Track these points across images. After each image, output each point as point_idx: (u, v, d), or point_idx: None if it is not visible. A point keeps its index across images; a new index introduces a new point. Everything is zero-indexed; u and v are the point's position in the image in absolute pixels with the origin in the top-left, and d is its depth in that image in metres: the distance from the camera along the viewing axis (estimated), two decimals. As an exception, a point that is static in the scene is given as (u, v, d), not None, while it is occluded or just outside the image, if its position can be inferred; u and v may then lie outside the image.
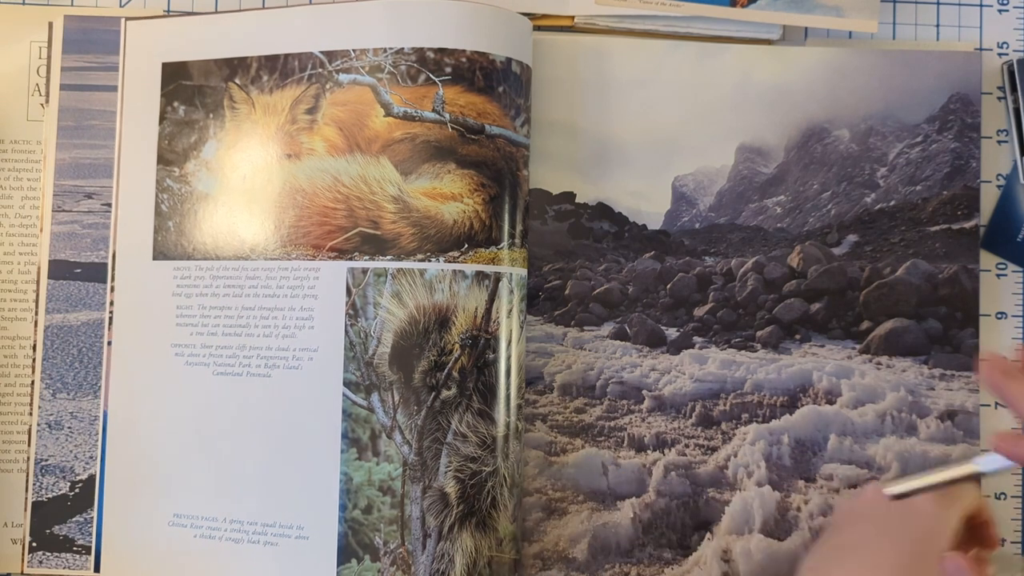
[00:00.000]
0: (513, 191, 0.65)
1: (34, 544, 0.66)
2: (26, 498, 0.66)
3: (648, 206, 0.70)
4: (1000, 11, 0.74)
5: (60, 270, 0.67)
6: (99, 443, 0.67)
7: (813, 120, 0.71)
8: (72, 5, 0.70)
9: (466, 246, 0.64)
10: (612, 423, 0.69)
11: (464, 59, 0.64)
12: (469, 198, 0.64)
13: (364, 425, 0.64)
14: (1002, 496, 0.71)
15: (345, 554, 0.64)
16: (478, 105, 0.64)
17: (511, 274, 0.64)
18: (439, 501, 0.63)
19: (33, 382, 0.67)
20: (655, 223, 0.70)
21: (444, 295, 0.63)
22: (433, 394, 0.63)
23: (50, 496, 0.67)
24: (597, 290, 0.70)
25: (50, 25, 0.68)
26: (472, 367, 0.63)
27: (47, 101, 0.68)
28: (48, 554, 0.66)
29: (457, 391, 0.63)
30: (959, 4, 0.74)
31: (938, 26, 0.74)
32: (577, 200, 0.70)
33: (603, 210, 0.70)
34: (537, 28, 0.71)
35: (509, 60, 0.65)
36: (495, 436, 0.64)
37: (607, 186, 0.70)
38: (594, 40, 0.70)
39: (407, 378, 0.63)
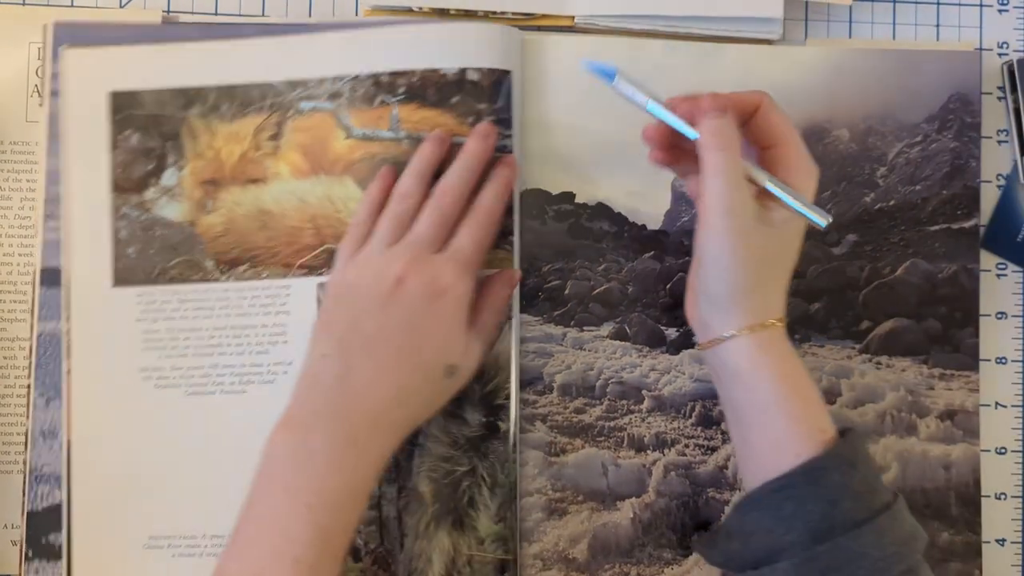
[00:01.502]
0: (475, 195, 0.66)
1: (30, 553, 0.66)
2: (23, 505, 0.66)
3: (648, 206, 0.70)
4: (1000, 11, 0.74)
5: (52, 278, 0.67)
6: (64, 473, 0.66)
7: (812, 120, 0.71)
8: (72, 6, 0.70)
9: None
10: (612, 423, 0.69)
11: (416, 78, 0.67)
12: None
13: None
14: (1003, 496, 0.71)
15: None
16: (432, 119, 0.67)
17: (481, 275, 0.66)
18: (414, 501, 0.65)
19: (29, 386, 0.67)
20: (655, 223, 0.70)
21: None
22: None
23: (44, 506, 0.66)
24: (597, 290, 0.70)
25: (44, 28, 0.68)
26: None
27: (43, 103, 0.68)
28: (44, 562, 0.66)
29: None
30: (959, 4, 0.74)
31: (938, 26, 0.74)
32: (576, 200, 0.70)
33: (602, 210, 0.70)
34: (537, 28, 0.71)
35: (463, 71, 0.67)
36: (467, 436, 0.66)
37: (606, 186, 0.70)
38: (594, 40, 0.70)
39: None
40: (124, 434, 0.67)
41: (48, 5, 0.70)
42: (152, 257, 0.68)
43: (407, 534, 0.66)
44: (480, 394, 0.66)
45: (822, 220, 0.56)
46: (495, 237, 0.64)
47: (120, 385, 0.67)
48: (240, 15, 0.71)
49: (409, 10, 0.70)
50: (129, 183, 0.68)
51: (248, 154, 0.68)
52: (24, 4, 0.69)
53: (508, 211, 0.67)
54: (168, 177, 0.68)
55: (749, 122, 0.58)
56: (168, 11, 0.70)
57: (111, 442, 0.66)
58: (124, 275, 0.68)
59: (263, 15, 0.71)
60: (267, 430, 0.56)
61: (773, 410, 0.55)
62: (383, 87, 0.68)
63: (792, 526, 0.52)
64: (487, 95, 0.67)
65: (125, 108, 0.68)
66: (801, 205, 0.56)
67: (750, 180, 0.56)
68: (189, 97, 0.68)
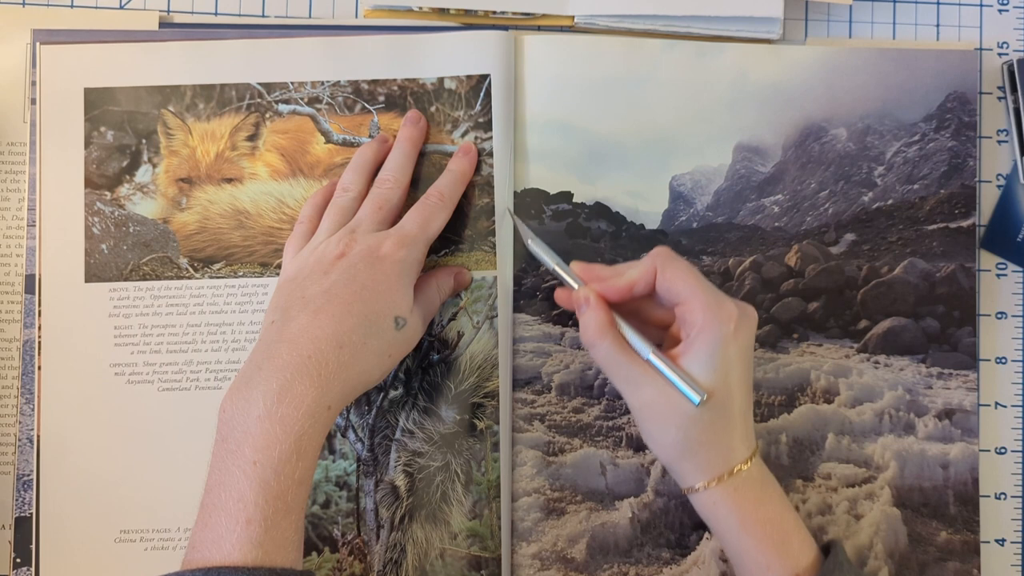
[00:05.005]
0: None
1: (18, 560, 0.66)
2: (12, 510, 0.66)
3: (645, 205, 0.70)
4: (1000, 11, 0.74)
5: (34, 285, 0.67)
6: (33, 469, 0.66)
7: (811, 119, 0.71)
8: (72, 7, 0.70)
9: None
10: (610, 423, 0.69)
11: (395, 87, 0.69)
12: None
13: None
14: (1002, 496, 0.71)
15: (306, 547, 0.66)
16: None
17: (468, 268, 0.68)
18: (390, 494, 0.67)
19: (19, 387, 0.67)
20: (652, 222, 0.70)
21: None
22: (382, 394, 0.68)
23: (31, 512, 0.66)
24: (595, 290, 0.70)
25: (31, 34, 0.68)
26: (416, 368, 0.68)
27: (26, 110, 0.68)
28: (30, 570, 0.66)
29: (403, 390, 0.67)
30: (959, 4, 0.74)
31: (938, 26, 0.74)
32: (574, 200, 0.70)
33: (600, 210, 0.70)
34: (537, 28, 0.71)
35: (441, 80, 0.69)
36: (441, 432, 0.67)
37: (604, 186, 0.70)
38: (592, 40, 0.70)
39: None
40: (95, 429, 0.67)
41: (48, 5, 0.70)
42: (125, 253, 0.68)
43: (383, 526, 0.67)
44: (454, 392, 0.67)
45: (695, 396, 0.54)
46: (445, 221, 0.65)
47: (91, 381, 0.67)
48: (240, 15, 0.71)
49: (409, 10, 0.70)
50: (103, 179, 0.69)
51: (224, 153, 0.69)
52: (24, 5, 0.70)
53: (490, 212, 0.68)
54: (142, 174, 0.69)
55: (655, 284, 0.59)
56: (167, 11, 0.70)
57: (81, 437, 0.67)
58: (96, 271, 0.68)
59: (263, 15, 0.71)
60: None
61: (745, 557, 0.56)
62: (363, 94, 0.69)
63: None
64: (465, 101, 0.68)
65: (100, 104, 0.69)
66: (678, 379, 0.55)
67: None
68: (165, 94, 0.69)
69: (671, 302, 0.59)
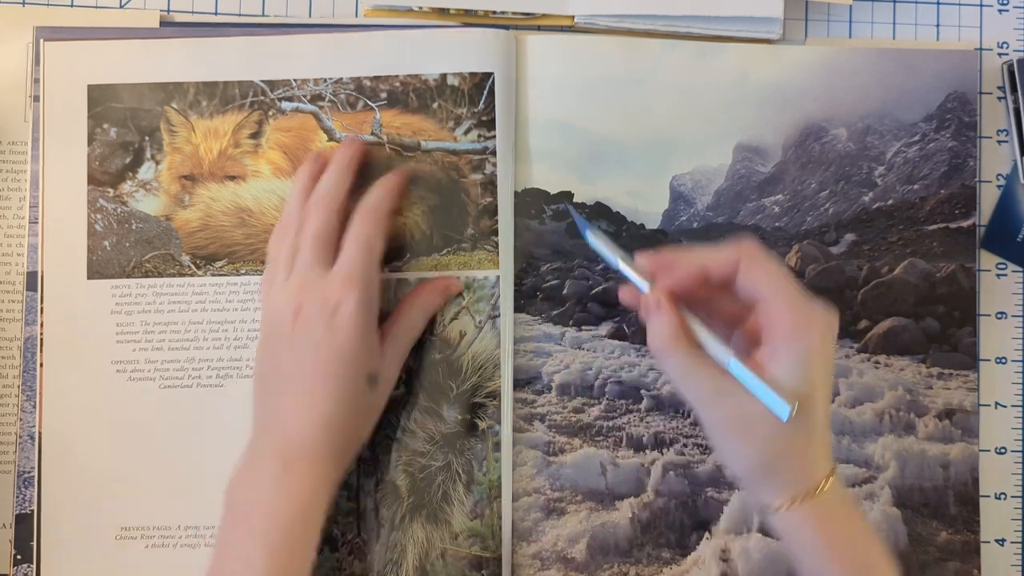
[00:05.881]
0: (456, 197, 0.68)
1: (18, 557, 0.66)
2: (12, 507, 0.66)
3: (646, 205, 0.70)
4: (1000, 11, 0.74)
5: (35, 283, 0.67)
6: (35, 466, 0.66)
7: (811, 119, 0.71)
8: (72, 6, 0.70)
9: (408, 255, 0.68)
10: (610, 423, 0.69)
11: (398, 83, 0.69)
12: (408, 211, 0.68)
13: None
14: (1002, 496, 0.71)
15: None
16: (413, 124, 0.69)
17: (460, 277, 0.68)
18: (391, 493, 0.67)
19: (20, 385, 0.67)
20: (653, 222, 0.70)
21: (389, 302, 0.67)
22: None
23: (31, 509, 0.66)
24: (595, 289, 0.70)
25: (32, 31, 0.68)
26: (419, 367, 0.67)
27: (28, 107, 0.68)
28: (31, 566, 0.66)
29: (405, 390, 0.67)
30: (959, 4, 0.74)
31: (938, 26, 0.74)
32: (575, 200, 0.70)
33: (601, 209, 0.70)
34: (537, 28, 0.71)
35: (443, 76, 0.68)
36: (443, 432, 0.67)
37: (605, 185, 0.70)
38: (592, 39, 0.70)
39: None
40: (96, 426, 0.67)
41: (48, 5, 0.70)
42: (127, 251, 0.68)
43: (383, 525, 0.67)
44: (456, 392, 0.67)
45: (784, 410, 0.50)
46: (386, 235, 0.64)
47: (93, 378, 0.67)
48: (240, 15, 0.71)
49: (409, 10, 0.70)
50: (106, 176, 0.68)
51: (227, 151, 0.69)
52: (24, 4, 0.70)
53: (492, 211, 0.68)
54: (145, 171, 0.69)
55: (734, 279, 0.54)
56: (168, 11, 0.70)
57: (83, 434, 0.67)
58: (98, 268, 0.68)
59: (263, 15, 0.71)
60: (245, 421, 0.60)
61: None
62: (365, 91, 0.69)
63: None
64: (468, 99, 0.68)
65: (103, 101, 0.69)
66: (766, 392, 0.51)
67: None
68: (168, 91, 0.69)
69: (750, 299, 0.54)
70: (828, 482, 0.53)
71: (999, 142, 0.73)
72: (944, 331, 0.70)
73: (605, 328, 0.70)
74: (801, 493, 0.52)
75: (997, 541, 0.70)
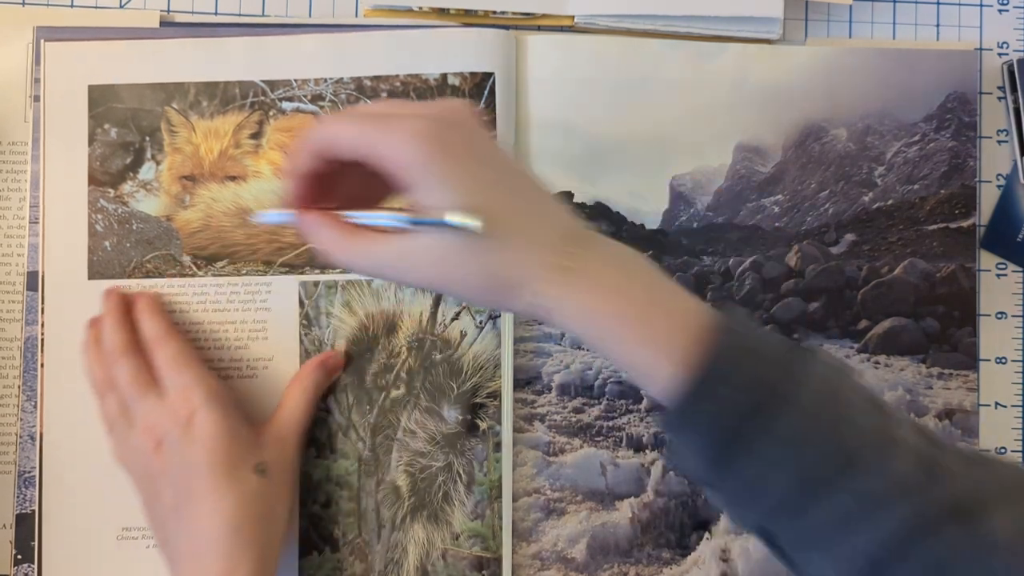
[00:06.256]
0: None
1: (19, 556, 0.66)
2: (13, 507, 0.66)
3: (646, 205, 0.70)
4: (1000, 11, 0.74)
5: (36, 282, 0.67)
6: (36, 466, 0.66)
7: (811, 119, 0.71)
8: (72, 6, 0.70)
9: None
10: (610, 423, 0.69)
11: (398, 83, 0.69)
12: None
13: (321, 425, 0.67)
14: (1002, 496, 0.71)
15: (307, 546, 0.67)
16: None
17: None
18: (391, 494, 0.67)
19: (20, 386, 0.67)
20: (653, 222, 0.70)
21: (391, 302, 0.68)
22: (384, 394, 0.68)
23: (33, 509, 0.66)
24: (595, 290, 0.70)
25: (32, 31, 0.68)
26: (419, 367, 0.68)
27: (28, 107, 0.68)
28: (32, 566, 0.66)
29: (405, 390, 0.68)
30: (959, 4, 0.74)
31: (938, 26, 0.74)
32: (575, 199, 0.70)
33: (601, 209, 0.70)
34: (537, 28, 0.71)
35: (444, 76, 0.68)
36: (444, 433, 0.67)
37: (605, 185, 0.70)
38: (592, 39, 0.70)
39: (359, 380, 0.68)
40: (97, 426, 0.66)
41: (48, 5, 0.70)
42: (128, 251, 0.68)
43: (384, 525, 0.67)
44: (457, 392, 0.67)
45: (475, 227, 0.45)
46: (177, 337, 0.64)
47: None
48: (240, 15, 0.71)
49: (409, 10, 0.70)
50: (106, 176, 0.68)
51: (228, 151, 0.69)
52: (24, 5, 0.70)
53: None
54: (146, 171, 0.69)
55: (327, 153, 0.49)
56: (167, 11, 0.70)
57: (83, 434, 0.66)
58: (99, 268, 0.68)
59: (263, 15, 0.71)
60: None
61: (620, 354, 0.47)
62: (366, 91, 0.69)
63: (694, 460, 0.47)
64: (471, 97, 0.68)
65: (104, 102, 0.68)
66: (445, 221, 0.45)
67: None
68: (169, 92, 0.69)
69: (366, 161, 0.48)
70: (577, 248, 0.47)
71: (999, 142, 0.73)
72: (944, 331, 0.70)
73: (605, 328, 0.70)
74: (545, 276, 0.46)
75: (997, 541, 0.70)
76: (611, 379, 0.69)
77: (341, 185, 0.51)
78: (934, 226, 0.71)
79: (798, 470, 0.43)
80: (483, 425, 0.67)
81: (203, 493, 0.57)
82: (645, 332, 0.46)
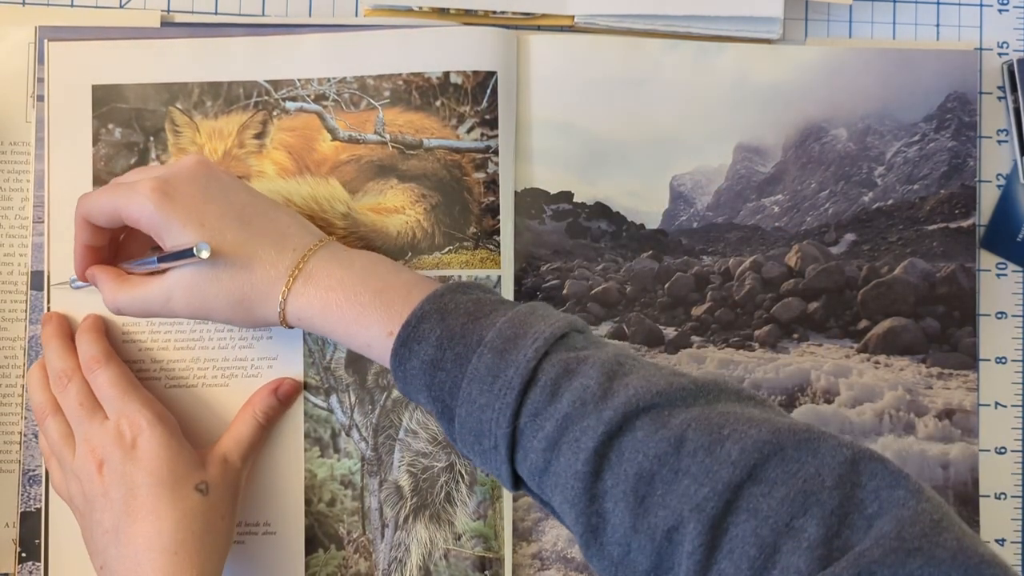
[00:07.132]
0: (459, 196, 0.68)
1: (23, 555, 0.66)
2: (17, 505, 0.66)
3: (646, 205, 0.70)
4: (1000, 11, 0.74)
5: (41, 281, 0.67)
6: (40, 464, 0.66)
7: (811, 119, 0.71)
8: (72, 6, 0.70)
9: (410, 254, 0.68)
10: (610, 423, 0.69)
11: (401, 82, 0.69)
12: (411, 209, 0.68)
13: (325, 425, 0.68)
14: (1002, 496, 0.71)
15: (312, 545, 0.67)
16: (416, 122, 0.69)
17: (461, 276, 0.68)
18: (394, 493, 0.67)
19: (23, 387, 0.67)
20: (653, 222, 0.70)
21: None
22: (385, 394, 0.68)
23: (37, 507, 0.66)
24: (595, 290, 0.70)
25: (34, 31, 0.68)
26: None
27: (32, 106, 0.68)
28: (36, 564, 0.66)
29: None
30: (959, 4, 0.74)
31: (938, 26, 0.74)
32: (575, 200, 0.70)
33: (601, 209, 0.70)
34: (537, 28, 0.71)
35: (447, 74, 0.68)
36: None
37: (605, 185, 0.70)
38: (592, 39, 0.70)
39: (362, 380, 0.68)
40: None
41: (48, 5, 0.70)
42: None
43: (387, 525, 0.67)
44: None
45: (203, 254, 0.54)
46: (120, 368, 0.64)
47: None
48: (240, 15, 0.71)
49: (409, 10, 0.70)
50: (111, 176, 0.68)
51: (232, 151, 0.69)
52: (24, 4, 0.70)
53: (495, 210, 0.68)
54: None
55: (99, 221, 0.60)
56: (168, 11, 0.70)
57: None
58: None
59: (263, 15, 0.71)
60: None
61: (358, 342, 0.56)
62: (369, 90, 0.69)
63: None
64: (471, 97, 0.68)
65: (108, 102, 0.68)
66: (177, 256, 0.56)
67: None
68: (172, 92, 0.69)
69: (103, 222, 0.60)
70: (309, 255, 0.57)
71: (999, 142, 0.73)
72: (944, 331, 0.70)
73: (605, 328, 0.70)
74: (286, 284, 0.56)
75: (997, 541, 0.70)
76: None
77: (130, 245, 0.64)
78: (934, 226, 0.71)
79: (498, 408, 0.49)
80: None
81: (143, 513, 0.58)
82: (374, 315, 0.54)
